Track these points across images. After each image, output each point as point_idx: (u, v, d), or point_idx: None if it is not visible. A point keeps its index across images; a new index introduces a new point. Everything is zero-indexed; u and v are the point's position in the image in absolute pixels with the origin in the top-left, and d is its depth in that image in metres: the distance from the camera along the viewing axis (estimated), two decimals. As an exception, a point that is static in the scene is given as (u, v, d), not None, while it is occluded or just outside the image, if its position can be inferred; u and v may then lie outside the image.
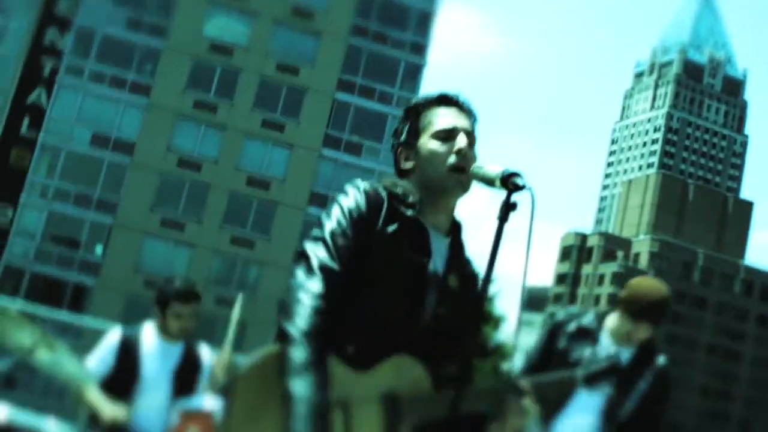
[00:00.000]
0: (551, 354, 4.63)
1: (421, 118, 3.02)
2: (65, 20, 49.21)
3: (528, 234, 2.62)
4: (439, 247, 2.94)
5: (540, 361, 4.65)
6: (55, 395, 29.98)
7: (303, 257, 2.78)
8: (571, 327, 4.67)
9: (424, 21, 54.05)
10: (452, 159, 2.90)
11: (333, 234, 2.79)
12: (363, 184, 2.90)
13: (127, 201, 48.78)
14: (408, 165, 3.01)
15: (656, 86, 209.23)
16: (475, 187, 2.90)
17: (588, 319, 4.68)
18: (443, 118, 2.99)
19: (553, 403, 4.45)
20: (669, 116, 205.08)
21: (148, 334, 5.74)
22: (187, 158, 49.75)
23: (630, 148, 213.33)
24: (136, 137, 49.41)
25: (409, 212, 2.88)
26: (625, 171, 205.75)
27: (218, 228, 49.50)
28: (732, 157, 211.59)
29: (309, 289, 2.69)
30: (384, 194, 2.88)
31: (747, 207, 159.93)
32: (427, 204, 2.94)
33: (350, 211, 2.82)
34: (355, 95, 52.15)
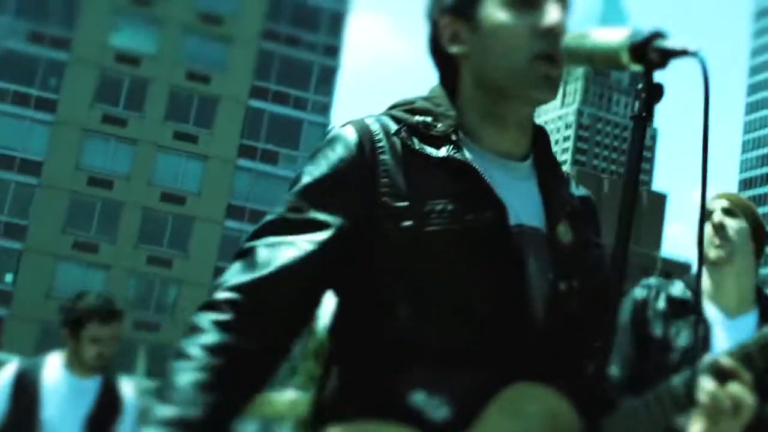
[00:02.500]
0: (648, 346, 3.64)
1: None
2: (-39, 37, 47.91)
3: (704, 133, 1.59)
4: (519, 183, 1.90)
5: (637, 360, 3.60)
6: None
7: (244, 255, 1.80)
8: (660, 305, 3.68)
9: (336, 23, 54.18)
10: (538, 42, 1.84)
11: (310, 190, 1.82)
12: (349, 133, 1.85)
13: (36, 224, 47.52)
14: (457, 48, 1.93)
15: (565, 83, 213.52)
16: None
17: (678, 289, 3.69)
18: None
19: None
20: (579, 113, 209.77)
21: (53, 368, 4.60)
22: (97, 176, 48.66)
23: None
24: (43, 156, 48.19)
25: (442, 151, 1.83)
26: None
27: (133, 247, 48.51)
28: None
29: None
30: (382, 137, 1.85)
31: (660, 199, 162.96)
32: (486, 118, 1.91)
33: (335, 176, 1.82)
34: (269, 102, 51.76)
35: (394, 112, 1.91)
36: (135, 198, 48.57)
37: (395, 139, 1.83)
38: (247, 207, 49.09)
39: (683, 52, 1.58)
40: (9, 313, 46.65)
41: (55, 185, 47.67)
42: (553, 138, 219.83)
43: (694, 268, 2.97)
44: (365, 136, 1.83)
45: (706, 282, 3.67)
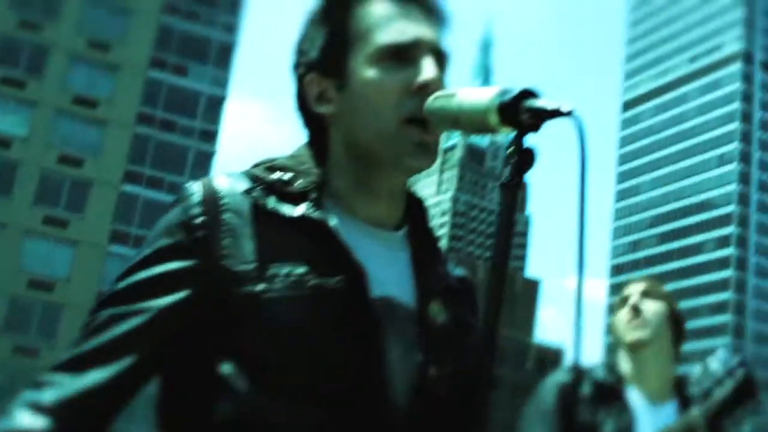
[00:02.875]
0: None
1: (353, 17, 1.77)
2: None
3: (580, 201, 1.44)
4: (389, 254, 1.74)
5: None
6: None
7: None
8: (586, 389, 3.64)
9: (213, 106, 54.27)
10: (410, 101, 1.69)
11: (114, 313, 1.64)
12: (196, 189, 1.68)
13: None
14: (325, 108, 1.77)
15: (441, 171, 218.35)
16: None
17: (601, 373, 3.68)
18: (396, 23, 1.75)
19: None
20: (455, 200, 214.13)
21: None
22: (-40, 261, 47.20)
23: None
24: None
25: (300, 208, 1.68)
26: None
27: (-1, 336, 47.04)
28: (516, 236, 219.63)
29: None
30: (226, 192, 1.67)
31: (534, 285, 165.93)
32: (355, 184, 1.76)
33: (163, 254, 1.63)
34: (143, 186, 51.23)
35: (252, 170, 1.74)
36: (1, 284, 47.15)
37: (246, 197, 1.67)
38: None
39: (557, 113, 1.45)
40: None
41: None
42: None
43: (568, 354, 2.82)
44: (209, 194, 1.65)
45: (626, 366, 3.64)
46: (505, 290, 1.46)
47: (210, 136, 53.48)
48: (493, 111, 1.51)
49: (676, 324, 3.67)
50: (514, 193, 1.48)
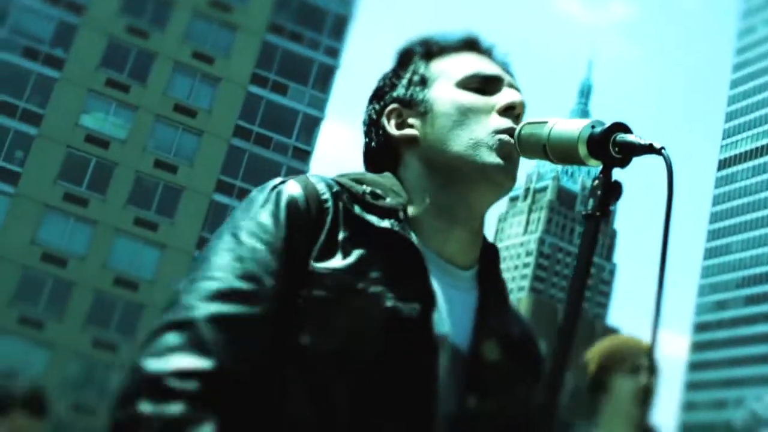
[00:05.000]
0: None
1: (432, 64, 1.84)
2: (-68, 102, 47.58)
3: (663, 239, 1.40)
4: (455, 292, 1.71)
5: None
6: None
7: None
8: None
9: (309, 126, 54.19)
10: (498, 120, 1.73)
11: (243, 261, 1.59)
12: (288, 188, 1.68)
13: (-16, 295, 46.67)
14: (407, 132, 1.80)
15: (530, 211, 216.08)
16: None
17: None
18: (476, 62, 1.82)
19: None
20: (541, 241, 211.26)
21: None
22: (52, 252, 47.86)
23: (507, 269, 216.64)
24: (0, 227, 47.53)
25: (385, 222, 1.67)
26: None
27: (80, 328, 47.43)
28: (600, 284, 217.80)
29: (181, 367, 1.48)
30: (326, 197, 1.67)
31: (613, 333, 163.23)
32: (433, 210, 1.74)
33: (262, 236, 1.62)
34: (233, 197, 51.14)
35: (339, 178, 1.75)
36: (87, 279, 47.86)
37: (338, 201, 1.68)
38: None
39: (647, 149, 1.46)
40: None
41: (7, 257, 46.98)
42: (513, 263, 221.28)
43: None
44: (310, 194, 1.67)
45: None
46: (577, 324, 1.47)
47: (303, 155, 53.33)
48: (583, 142, 1.52)
49: None
50: (597, 224, 1.49)
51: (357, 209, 1.68)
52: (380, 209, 1.69)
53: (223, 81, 51.72)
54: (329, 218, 1.65)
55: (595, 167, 1.52)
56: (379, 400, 1.57)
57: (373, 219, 1.67)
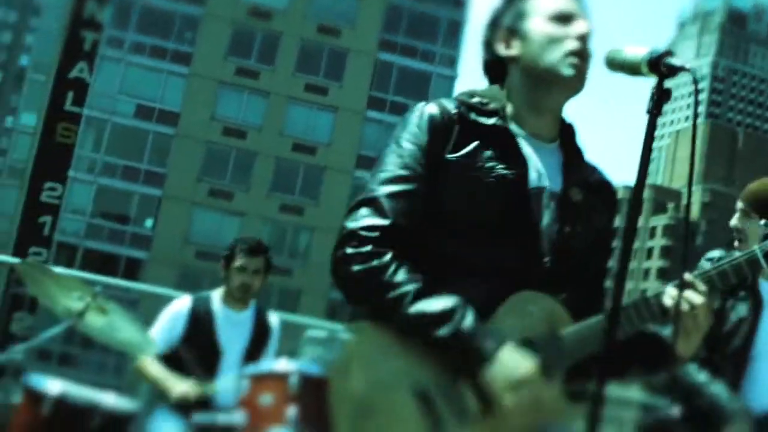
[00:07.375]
0: None
1: (528, 2, 2.58)
2: (103, -7, 48.87)
3: (692, 129, 2.15)
4: (546, 157, 2.51)
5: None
6: (111, 372, 29.43)
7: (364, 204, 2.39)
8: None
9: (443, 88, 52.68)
10: (572, 43, 2.46)
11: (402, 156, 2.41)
12: (428, 108, 2.47)
13: (174, 172, 48.72)
14: (510, 51, 2.55)
15: (700, 35, 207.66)
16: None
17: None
18: (557, 1, 2.55)
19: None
20: (714, 65, 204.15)
21: (216, 302, 5.44)
22: (231, 126, 49.55)
23: (676, 98, 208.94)
24: (179, 107, 49.22)
25: (492, 120, 2.46)
26: (672, 122, 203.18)
27: (266, 196, 49.37)
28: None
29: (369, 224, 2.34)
30: (454, 112, 2.46)
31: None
32: (528, 105, 2.52)
33: (413, 141, 2.43)
34: (397, 54, 51.71)
35: (459, 96, 2.53)
36: (267, 148, 49.39)
37: (460, 113, 2.44)
38: (377, 157, 48.64)
39: (683, 69, 2.14)
40: (148, 255, 48.07)
41: (191, 135, 48.72)
42: (686, 90, 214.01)
43: None
44: (443, 110, 2.44)
45: None
46: (642, 200, 2.10)
47: (460, 4, 53.19)
48: (644, 63, 2.16)
49: None
50: (654, 119, 2.12)
51: (473, 115, 2.45)
52: (487, 112, 2.47)
53: (350, 52, 51.45)
54: (456, 126, 2.43)
55: (653, 78, 2.17)
56: (500, 236, 2.37)
57: (482, 119, 2.45)
